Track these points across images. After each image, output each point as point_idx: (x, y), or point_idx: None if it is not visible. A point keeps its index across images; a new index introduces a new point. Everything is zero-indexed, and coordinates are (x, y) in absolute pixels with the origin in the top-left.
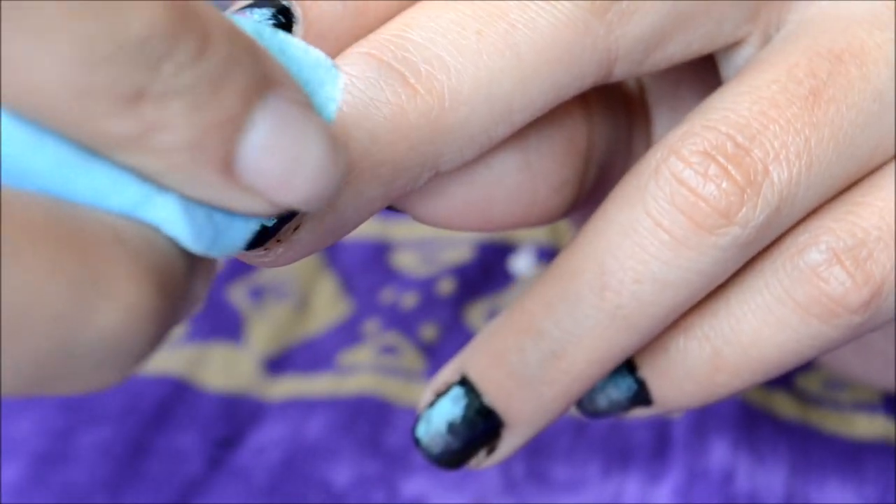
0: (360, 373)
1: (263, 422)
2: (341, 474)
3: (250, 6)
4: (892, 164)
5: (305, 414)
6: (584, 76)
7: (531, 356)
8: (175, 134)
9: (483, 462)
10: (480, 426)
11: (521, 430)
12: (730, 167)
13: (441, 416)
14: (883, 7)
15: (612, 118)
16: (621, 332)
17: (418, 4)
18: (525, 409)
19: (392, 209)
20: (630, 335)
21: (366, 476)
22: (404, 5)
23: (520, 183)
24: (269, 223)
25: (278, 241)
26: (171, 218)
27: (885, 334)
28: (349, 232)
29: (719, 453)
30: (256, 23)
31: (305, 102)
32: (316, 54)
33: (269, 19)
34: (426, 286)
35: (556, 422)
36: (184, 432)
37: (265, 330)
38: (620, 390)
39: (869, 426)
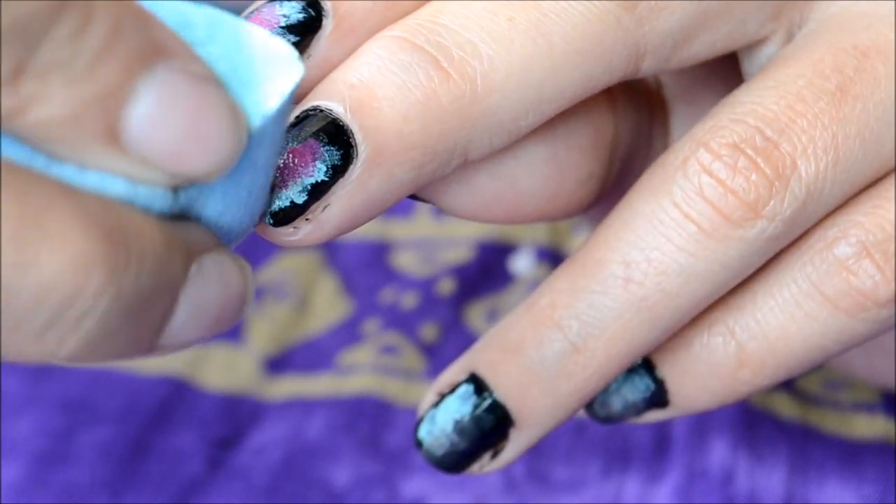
0: (360, 373)
1: (263, 422)
2: (341, 474)
3: None
4: None
5: (305, 414)
6: (613, 69)
7: (549, 349)
8: (53, 107)
9: (486, 466)
10: (489, 425)
11: (530, 430)
12: (759, 160)
13: (447, 414)
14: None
15: (636, 113)
16: (644, 325)
17: None
18: (539, 405)
19: (421, 199)
20: (652, 329)
21: (366, 476)
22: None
23: (546, 175)
24: (301, 200)
25: (307, 219)
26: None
27: (887, 333)
28: (378, 214)
29: (719, 453)
30: (196, 8)
31: (203, 74)
32: (277, 47)
33: (299, 12)
34: (426, 286)
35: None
36: (184, 432)
37: (265, 330)
38: (637, 391)
39: (869, 426)
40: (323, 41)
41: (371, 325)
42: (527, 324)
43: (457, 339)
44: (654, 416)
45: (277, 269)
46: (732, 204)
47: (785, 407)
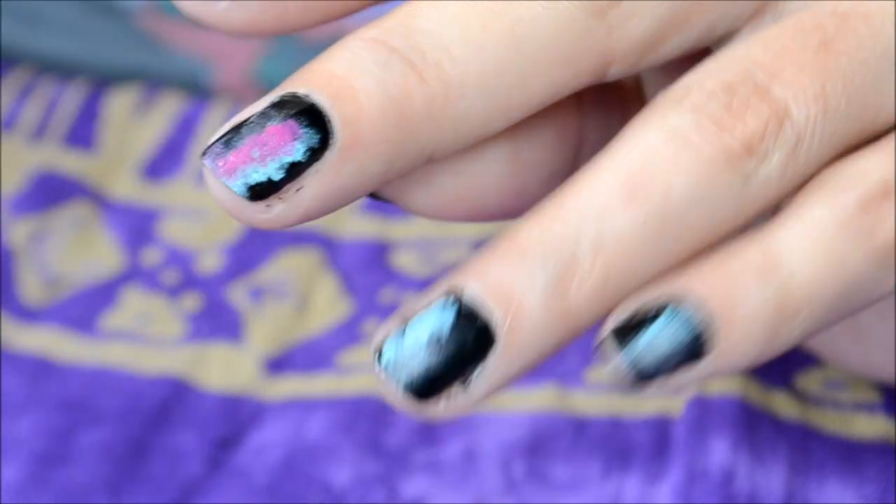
0: (360, 373)
1: (263, 422)
2: (341, 474)
3: None
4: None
5: (305, 414)
6: (580, 76)
7: (549, 260)
8: None
9: (454, 400)
10: (471, 337)
11: (516, 352)
12: (753, 99)
13: (422, 328)
14: None
15: (605, 111)
16: (646, 245)
17: None
18: (530, 320)
19: (383, 200)
20: (656, 251)
21: (366, 476)
22: None
23: (509, 174)
24: (277, 178)
25: (280, 198)
26: None
27: (884, 324)
28: (344, 205)
29: (719, 453)
30: None
31: None
32: None
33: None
34: (426, 286)
35: (556, 420)
36: (183, 432)
37: (265, 330)
38: (683, 327)
39: (869, 426)
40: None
41: (371, 325)
42: (523, 239)
43: None
44: (689, 374)
45: (277, 269)
46: (728, 140)
47: (785, 407)
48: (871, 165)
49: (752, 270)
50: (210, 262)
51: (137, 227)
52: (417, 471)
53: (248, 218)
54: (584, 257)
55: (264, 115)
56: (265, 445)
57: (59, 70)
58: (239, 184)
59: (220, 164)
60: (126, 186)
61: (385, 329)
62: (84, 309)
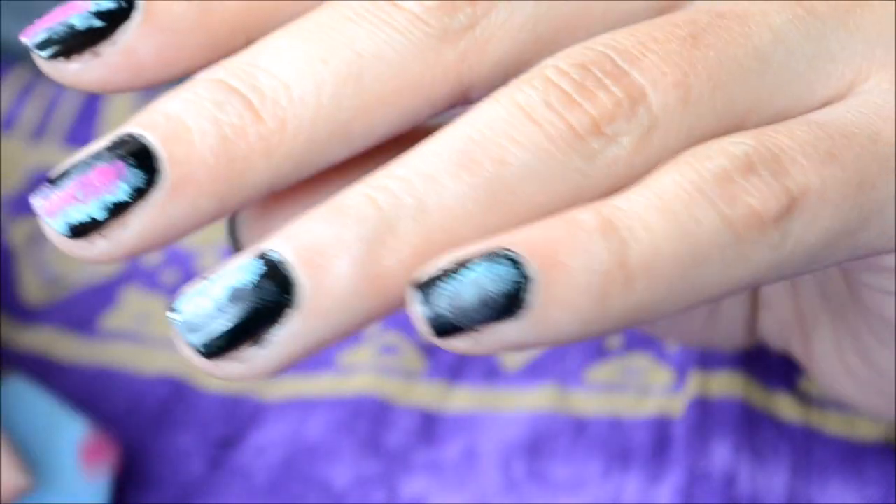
0: (360, 373)
1: (263, 422)
2: (341, 474)
3: None
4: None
5: (305, 414)
6: (434, 103)
7: (365, 223)
8: None
9: (253, 361)
10: (272, 296)
11: (321, 315)
12: (607, 80)
13: (222, 283)
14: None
15: None
16: (476, 216)
17: (275, 32)
18: (342, 280)
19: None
20: (486, 223)
21: (366, 476)
22: (252, 6)
23: None
24: (101, 216)
25: (103, 236)
26: None
27: (877, 369)
28: (177, 240)
29: (721, 455)
30: None
31: None
32: None
33: (111, 1)
34: None
35: (556, 420)
36: (184, 432)
37: None
38: (500, 279)
39: (872, 427)
40: (130, 31)
41: (371, 326)
42: (345, 198)
43: None
44: (502, 331)
45: None
46: (574, 118)
47: (787, 409)
48: (735, 141)
49: (585, 230)
50: (210, 261)
51: None
52: (417, 471)
53: (74, 254)
54: (403, 225)
55: (96, 156)
56: (265, 445)
57: None
58: (60, 223)
59: (45, 204)
60: None
61: (187, 286)
62: (84, 309)
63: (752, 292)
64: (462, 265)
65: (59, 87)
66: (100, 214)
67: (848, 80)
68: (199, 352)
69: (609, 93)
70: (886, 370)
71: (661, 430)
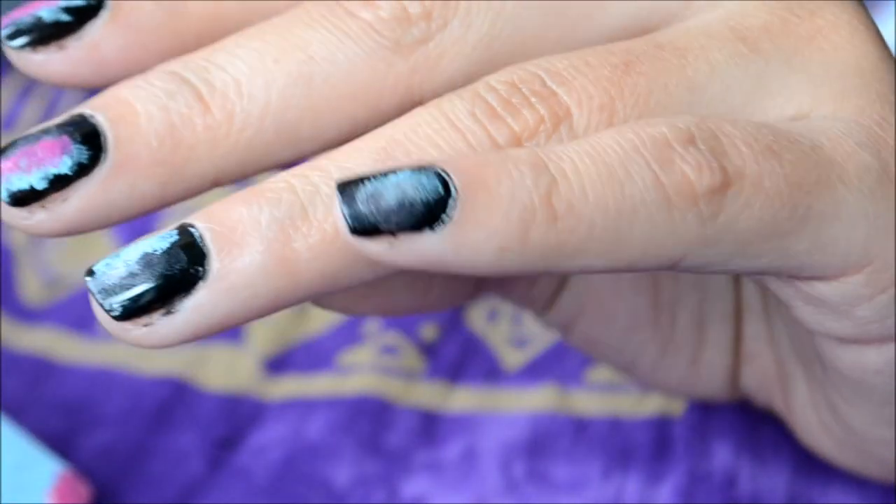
0: (360, 373)
1: (264, 422)
2: (341, 474)
3: None
4: None
5: (305, 414)
6: (382, 112)
7: (274, 212)
8: None
9: (157, 326)
10: (182, 264)
11: (228, 288)
12: (533, 99)
13: (136, 249)
14: (721, 26)
15: None
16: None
17: (234, 34)
18: (251, 255)
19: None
20: None
21: (366, 476)
22: (220, 12)
23: (417, 289)
24: (41, 187)
25: (43, 206)
26: None
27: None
28: (119, 221)
29: (721, 455)
30: None
31: None
32: None
33: None
34: None
35: (556, 420)
36: (184, 433)
37: (265, 330)
38: (420, 186)
39: None
40: (96, 28)
41: (371, 325)
42: (266, 182)
43: (457, 338)
44: (417, 242)
45: None
46: (496, 130)
47: None
48: (680, 117)
49: (515, 161)
50: None
51: (137, 226)
52: (417, 471)
53: (12, 222)
54: (317, 211)
55: (44, 131)
56: (265, 445)
57: None
58: (1, 190)
59: None
60: None
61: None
62: (84, 309)
63: (734, 344)
64: (388, 171)
65: (60, 88)
66: (40, 184)
67: (788, 115)
68: (110, 314)
69: (533, 110)
70: (857, 428)
71: (661, 431)
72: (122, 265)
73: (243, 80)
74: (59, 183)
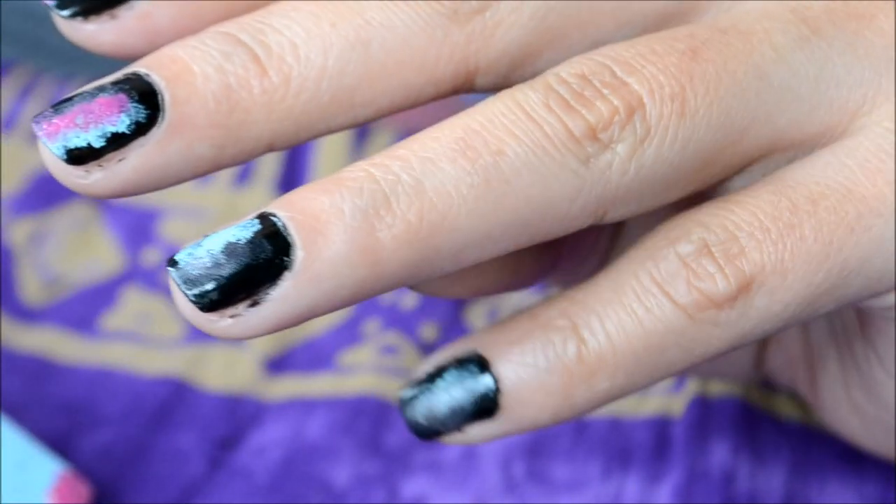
0: (360, 373)
1: (264, 422)
2: (341, 474)
3: None
4: (764, 164)
5: (305, 414)
6: (438, 83)
7: (357, 202)
8: None
9: (243, 318)
10: (266, 254)
11: (313, 279)
12: (605, 91)
13: (219, 239)
14: (781, 7)
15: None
16: (469, 201)
17: None
18: (335, 247)
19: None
20: (479, 209)
21: (366, 476)
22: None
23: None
24: (98, 145)
25: (100, 165)
26: None
27: (878, 403)
28: (173, 183)
29: (720, 454)
30: None
31: None
32: None
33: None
34: None
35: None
36: (184, 433)
37: None
38: (468, 390)
39: None
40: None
41: (371, 326)
42: (347, 171)
43: (457, 338)
44: (479, 430)
45: None
46: (572, 121)
47: (786, 408)
48: (692, 227)
49: (546, 328)
50: None
51: (137, 226)
52: (417, 471)
53: (67, 180)
54: (399, 200)
55: (100, 88)
56: (265, 445)
57: (60, 70)
58: (58, 146)
59: (45, 126)
60: None
61: (187, 243)
62: (84, 309)
63: None
64: (436, 375)
65: (60, 88)
66: (98, 142)
67: (851, 109)
68: (195, 304)
69: (606, 101)
70: (892, 405)
71: (661, 430)
72: (206, 255)
73: (300, 43)
74: (117, 142)
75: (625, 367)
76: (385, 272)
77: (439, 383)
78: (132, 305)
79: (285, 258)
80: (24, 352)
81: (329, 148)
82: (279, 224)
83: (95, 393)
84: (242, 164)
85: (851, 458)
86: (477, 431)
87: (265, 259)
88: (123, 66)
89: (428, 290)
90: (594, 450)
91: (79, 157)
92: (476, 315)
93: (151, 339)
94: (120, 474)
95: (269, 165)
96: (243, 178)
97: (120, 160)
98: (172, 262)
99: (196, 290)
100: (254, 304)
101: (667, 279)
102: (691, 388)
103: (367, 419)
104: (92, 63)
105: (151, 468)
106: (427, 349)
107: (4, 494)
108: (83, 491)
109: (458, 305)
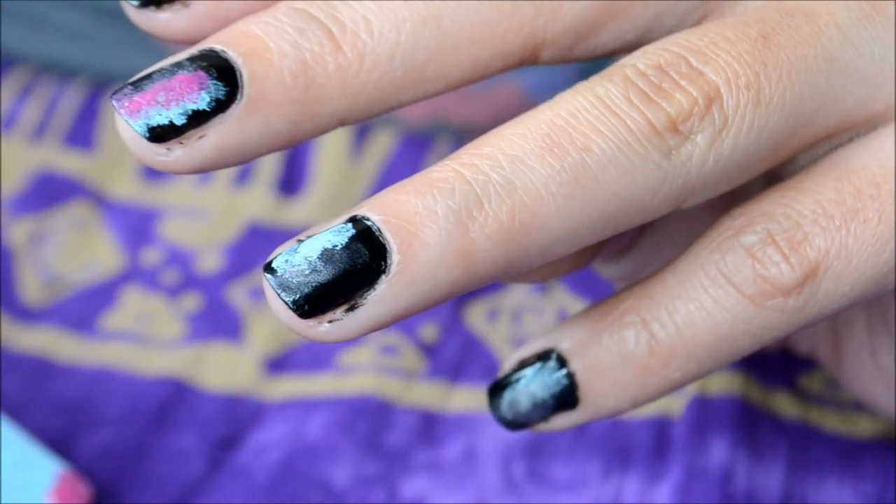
0: (360, 373)
1: (263, 422)
2: (341, 474)
3: None
4: (828, 143)
5: (305, 414)
6: (506, 56)
7: (450, 203)
8: None
9: (340, 322)
10: (363, 259)
11: (408, 281)
12: (683, 82)
13: (316, 245)
14: None
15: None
16: (560, 198)
17: None
18: (430, 249)
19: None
20: (569, 206)
21: (366, 476)
22: None
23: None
24: (180, 122)
25: (181, 143)
26: None
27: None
28: (249, 159)
29: (718, 452)
30: None
31: None
32: None
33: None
34: None
35: None
36: (184, 433)
37: (265, 330)
38: (546, 386)
39: (871, 424)
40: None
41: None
42: (436, 171)
43: (456, 338)
44: (563, 420)
45: None
46: (653, 114)
47: (786, 407)
48: (755, 217)
49: (617, 325)
50: (210, 262)
51: (137, 227)
52: (417, 471)
53: (148, 158)
54: (491, 200)
55: (177, 65)
56: (265, 445)
57: (60, 70)
58: (140, 123)
59: (126, 103)
60: (125, 186)
61: (282, 246)
62: (84, 309)
63: None
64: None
65: (60, 87)
66: (179, 120)
67: None
68: (293, 310)
69: (685, 93)
70: None
71: (660, 430)
72: (304, 261)
73: (373, 19)
74: (197, 119)
75: (696, 356)
76: (478, 272)
77: (521, 380)
78: (132, 305)
79: (382, 262)
80: (24, 352)
81: (329, 148)
82: (373, 228)
83: (95, 393)
84: (314, 139)
85: (849, 457)
86: (562, 421)
87: (363, 264)
88: (123, 65)
89: (505, 280)
90: (594, 450)
91: (161, 134)
92: (476, 315)
93: (151, 339)
94: (120, 474)
95: (269, 166)
96: (243, 178)
97: (200, 137)
98: (270, 269)
99: (295, 297)
100: (351, 309)
101: (733, 270)
102: (691, 386)
103: (367, 419)
104: (92, 63)
105: (151, 468)
106: (427, 349)
107: (4, 494)
108: (83, 491)
109: (458, 305)
